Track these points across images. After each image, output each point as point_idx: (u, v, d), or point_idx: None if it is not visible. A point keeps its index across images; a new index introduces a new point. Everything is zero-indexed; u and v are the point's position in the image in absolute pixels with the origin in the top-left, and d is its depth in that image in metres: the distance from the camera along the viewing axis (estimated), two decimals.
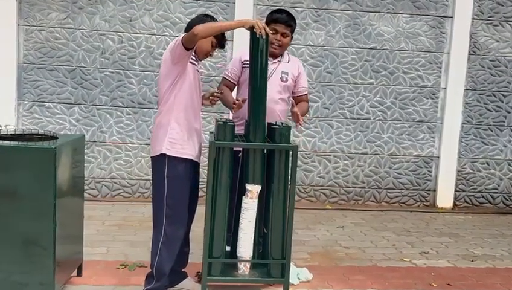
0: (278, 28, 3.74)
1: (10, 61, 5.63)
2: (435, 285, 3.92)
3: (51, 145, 3.07)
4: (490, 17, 6.12)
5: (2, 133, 3.34)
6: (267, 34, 3.13)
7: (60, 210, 3.13)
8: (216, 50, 3.45)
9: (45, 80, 5.75)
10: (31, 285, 3.11)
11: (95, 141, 5.85)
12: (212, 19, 3.33)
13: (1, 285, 3.12)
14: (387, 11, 6.01)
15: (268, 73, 3.65)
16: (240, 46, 5.67)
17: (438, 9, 6.05)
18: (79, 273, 3.70)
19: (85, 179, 5.71)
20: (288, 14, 3.86)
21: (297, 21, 5.83)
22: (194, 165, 3.32)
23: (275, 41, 3.72)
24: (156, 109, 5.84)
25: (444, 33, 6.08)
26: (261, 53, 3.16)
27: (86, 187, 5.69)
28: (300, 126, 3.68)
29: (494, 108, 6.26)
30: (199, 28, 3.03)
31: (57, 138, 3.33)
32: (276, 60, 3.82)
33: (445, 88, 6.14)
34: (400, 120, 6.17)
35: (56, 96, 5.77)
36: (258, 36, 3.08)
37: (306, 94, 3.99)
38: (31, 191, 3.05)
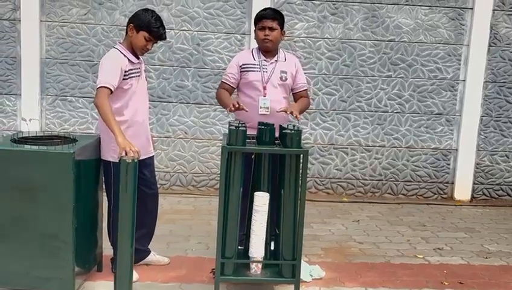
0: (264, 24, 3.83)
1: (33, 56, 5.78)
2: (446, 283, 3.96)
3: (69, 150, 3.20)
4: None
5: (23, 136, 3.47)
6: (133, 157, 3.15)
7: (80, 209, 3.26)
8: (156, 43, 3.60)
9: (67, 75, 5.88)
10: (52, 280, 3.24)
11: None
12: (153, 13, 3.50)
13: (23, 280, 3.26)
14: (406, 3, 5.96)
15: (268, 74, 3.82)
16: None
17: (458, 0, 5.97)
18: (99, 269, 3.82)
19: None
20: (274, 9, 3.98)
21: (314, 14, 5.94)
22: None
23: (264, 36, 3.81)
24: (175, 102, 6.01)
25: (463, 25, 6.01)
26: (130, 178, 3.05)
27: None
28: (297, 119, 3.67)
29: None
30: (99, 105, 3.30)
31: (76, 140, 3.46)
32: (273, 60, 3.90)
33: (464, 80, 6.09)
34: (418, 113, 6.15)
35: (78, 90, 5.91)
36: (128, 161, 3.04)
37: (305, 90, 4.06)
38: (51, 192, 3.17)
